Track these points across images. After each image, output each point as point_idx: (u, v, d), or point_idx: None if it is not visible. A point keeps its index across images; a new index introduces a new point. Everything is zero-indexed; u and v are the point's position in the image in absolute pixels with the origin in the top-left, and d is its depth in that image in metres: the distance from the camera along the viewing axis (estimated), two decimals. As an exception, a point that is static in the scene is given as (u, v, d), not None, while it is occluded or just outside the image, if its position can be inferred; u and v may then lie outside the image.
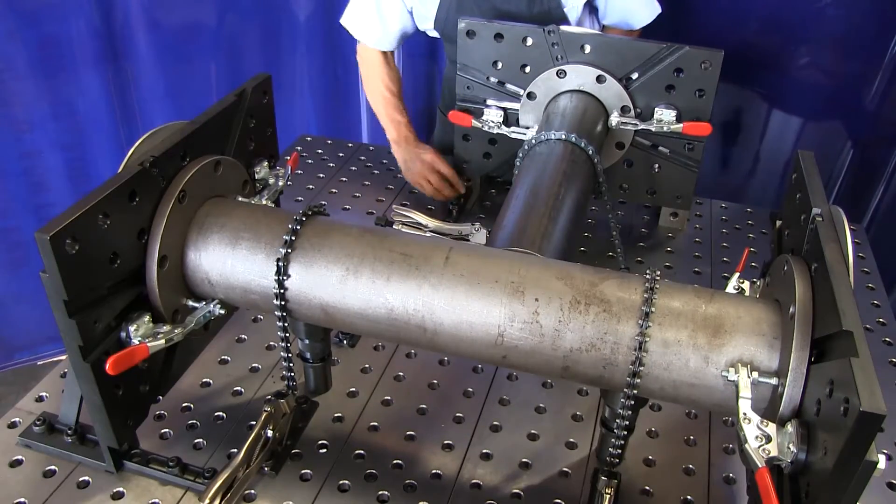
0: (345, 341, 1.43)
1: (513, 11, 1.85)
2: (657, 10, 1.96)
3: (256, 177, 1.30)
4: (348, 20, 2.06)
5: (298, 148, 2.15)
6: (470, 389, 1.35)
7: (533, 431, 1.27)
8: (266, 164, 1.33)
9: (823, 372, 0.83)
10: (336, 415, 1.28)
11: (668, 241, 1.80)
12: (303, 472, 1.18)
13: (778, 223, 1.22)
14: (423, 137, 3.08)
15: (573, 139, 1.44)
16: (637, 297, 0.97)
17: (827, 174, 2.61)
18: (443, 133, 2.34)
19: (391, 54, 2.08)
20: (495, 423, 1.28)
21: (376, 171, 2.05)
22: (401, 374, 1.38)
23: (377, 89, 2.04)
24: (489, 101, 1.71)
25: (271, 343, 1.43)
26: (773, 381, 0.90)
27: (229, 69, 2.65)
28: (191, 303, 1.13)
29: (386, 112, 2.02)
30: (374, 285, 1.02)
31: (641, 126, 1.62)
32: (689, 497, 1.16)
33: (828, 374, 0.81)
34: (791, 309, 0.92)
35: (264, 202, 1.27)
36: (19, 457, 1.18)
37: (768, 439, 0.88)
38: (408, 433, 1.26)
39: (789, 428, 0.85)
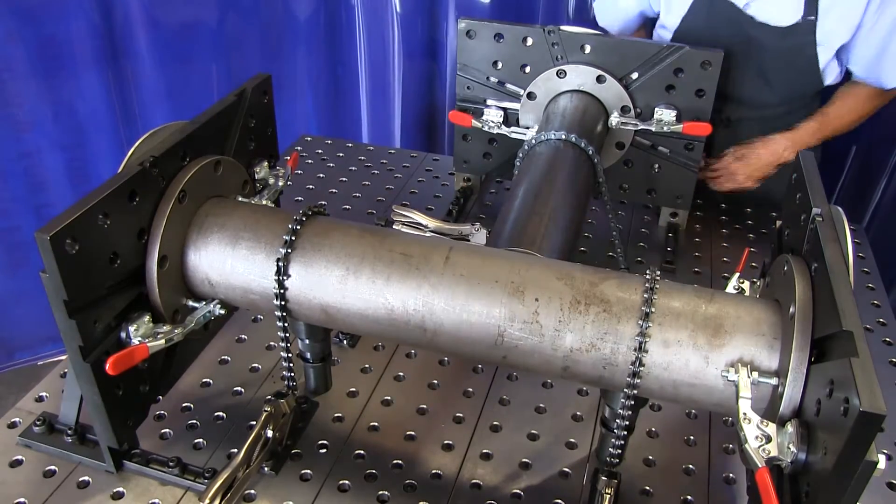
0: (345, 341, 1.43)
1: (763, 41, 1.76)
2: None
3: (256, 177, 1.31)
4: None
5: (298, 148, 2.15)
6: (470, 389, 1.35)
7: (533, 431, 1.27)
8: (266, 164, 1.33)
9: (823, 372, 0.83)
10: (336, 415, 1.28)
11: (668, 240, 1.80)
12: (303, 472, 1.18)
13: (778, 223, 1.22)
14: (424, 137, 3.09)
15: (573, 139, 1.44)
16: (637, 297, 0.97)
17: (827, 174, 2.60)
18: None
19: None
20: (495, 423, 1.28)
21: (376, 171, 2.05)
22: (401, 374, 1.38)
23: None
24: (489, 101, 1.71)
25: (271, 343, 1.43)
26: (773, 381, 0.90)
27: (229, 69, 2.65)
28: (191, 303, 1.13)
29: None
30: (374, 285, 1.02)
31: (641, 126, 1.62)
32: (689, 497, 1.16)
33: (828, 374, 0.81)
34: (791, 309, 0.92)
35: (264, 202, 1.28)
36: (19, 457, 1.18)
37: (768, 439, 0.88)
38: (408, 433, 1.26)
39: (789, 428, 0.85)
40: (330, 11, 2.74)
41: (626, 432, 1.07)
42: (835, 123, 1.70)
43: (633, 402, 0.99)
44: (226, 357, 1.39)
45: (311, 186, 1.96)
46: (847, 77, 1.85)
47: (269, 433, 1.14)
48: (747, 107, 1.86)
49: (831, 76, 1.82)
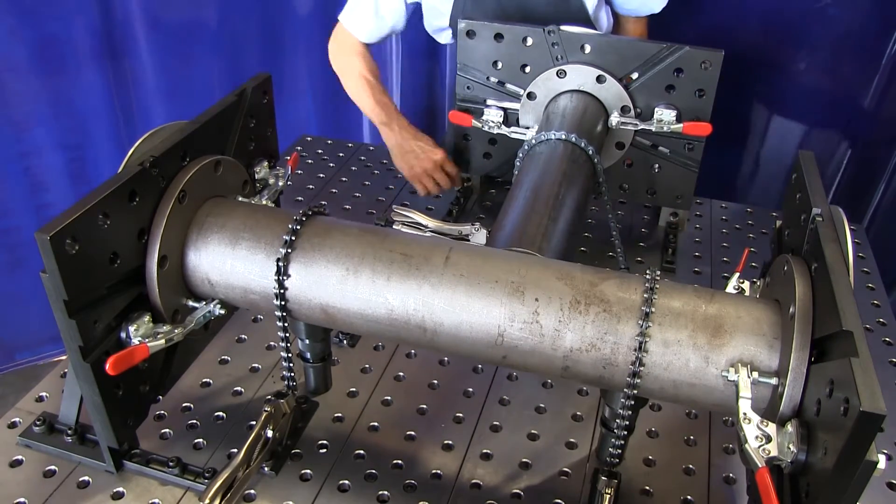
0: (345, 341, 1.43)
1: (530, 2, 1.82)
2: None
3: (256, 177, 1.30)
4: (345, 16, 2.02)
5: (298, 148, 2.15)
6: (470, 389, 1.35)
7: (533, 431, 1.27)
8: (266, 164, 1.33)
9: (823, 372, 0.83)
10: (336, 415, 1.28)
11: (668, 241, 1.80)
12: (303, 472, 1.18)
13: (778, 223, 1.22)
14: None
15: (573, 139, 1.44)
16: (637, 297, 0.97)
17: (827, 174, 2.61)
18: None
19: (369, 48, 2.04)
20: (495, 423, 1.28)
21: (376, 171, 2.05)
22: (401, 374, 1.38)
23: (357, 74, 1.97)
24: (489, 101, 1.71)
25: (271, 343, 1.43)
26: (773, 381, 0.90)
27: (229, 69, 2.65)
28: (191, 303, 1.13)
29: (371, 95, 1.94)
30: (374, 285, 1.02)
31: (641, 126, 1.62)
32: (689, 497, 1.16)
33: (828, 374, 0.81)
34: (791, 309, 0.92)
35: (264, 202, 1.28)
36: (19, 457, 1.18)
37: (768, 439, 0.88)
38: (408, 433, 1.26)
39: (789, 428, 0.85)
40: (330, 11, 2.74)
41: (626, 432, 1.07)
42: None
43: (633, 402, 0.99)
44: (226, 357, 1.39)
45: (311, 186, 1.96)
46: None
47: (269, 433, 1.14)
48: None
49: (605, 23, 1.93)
